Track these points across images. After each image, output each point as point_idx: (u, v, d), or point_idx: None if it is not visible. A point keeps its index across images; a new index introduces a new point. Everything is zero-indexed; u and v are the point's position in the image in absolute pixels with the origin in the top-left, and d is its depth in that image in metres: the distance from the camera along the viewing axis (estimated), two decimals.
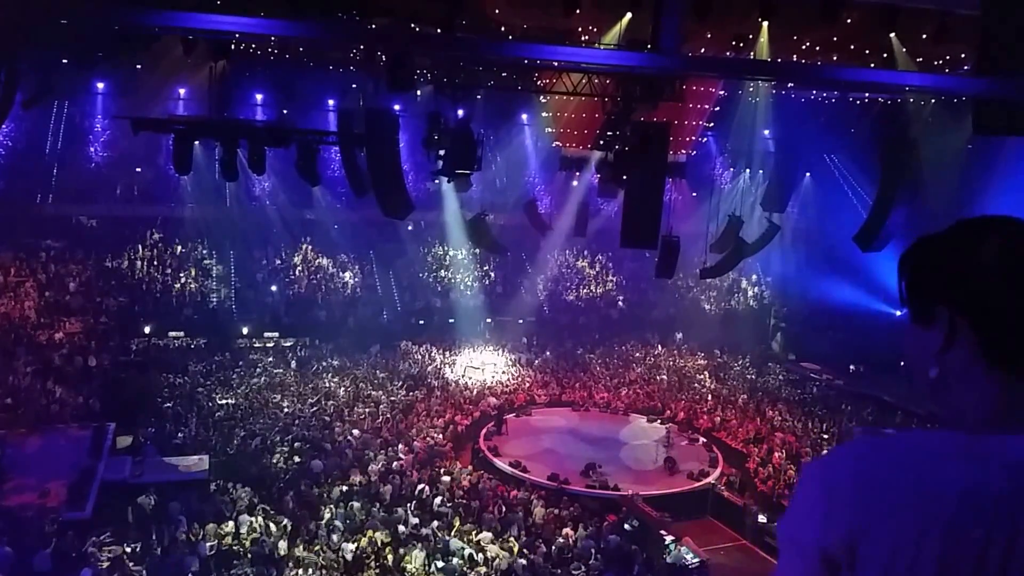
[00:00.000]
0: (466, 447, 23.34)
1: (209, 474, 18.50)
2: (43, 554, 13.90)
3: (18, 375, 22.21)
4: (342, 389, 26.21)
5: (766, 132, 29.81)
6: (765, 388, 29.49)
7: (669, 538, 17.00)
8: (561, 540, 16.70)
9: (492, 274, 36.57)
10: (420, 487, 18.56)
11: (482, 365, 29.68)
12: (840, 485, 1.32)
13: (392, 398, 25.42)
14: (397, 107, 22.08)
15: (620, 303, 36.74)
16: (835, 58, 21.77)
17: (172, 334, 29.25)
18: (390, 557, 15.34)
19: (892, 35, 19.73)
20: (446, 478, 19.50)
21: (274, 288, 32.67)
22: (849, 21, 18.66)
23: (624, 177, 18.89)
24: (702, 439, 24.92)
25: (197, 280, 31.94)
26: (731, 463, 23.16)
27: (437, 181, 26.50)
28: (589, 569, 15.85)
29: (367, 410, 24.23)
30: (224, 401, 24.30)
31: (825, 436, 23.99)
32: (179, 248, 32.86)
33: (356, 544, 15.60)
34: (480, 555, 15.67)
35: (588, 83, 20.53)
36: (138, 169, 33.43)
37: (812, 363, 31.40)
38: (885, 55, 20.41)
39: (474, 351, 31.28)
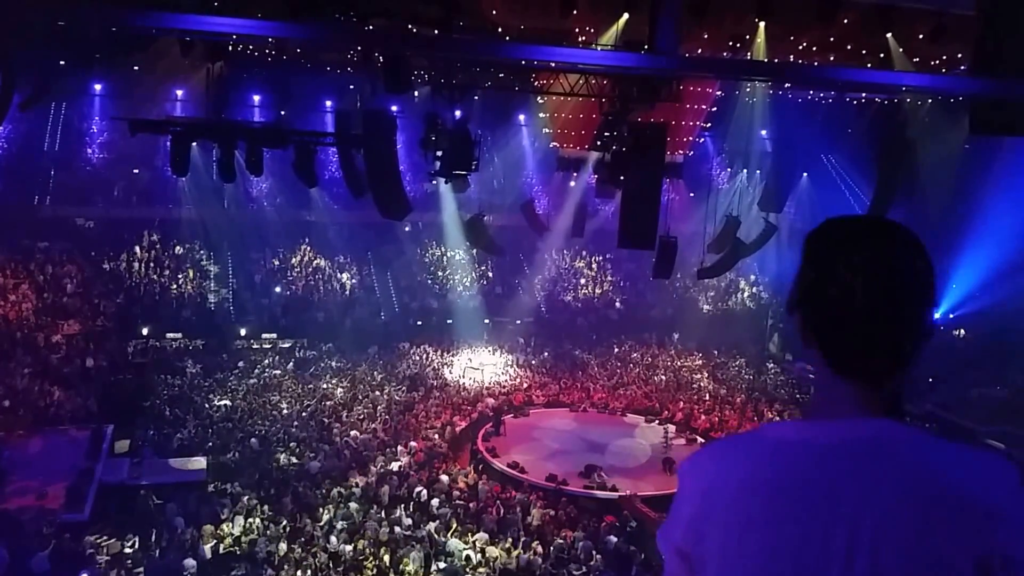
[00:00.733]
0: (464, 448, 23.28)
1: (207, 475, 18.52)
2: (41, 556, 13.88)
3: (16, 377, 22.15)
4: (340, 390, 26.21)
5: (763, 132, 29.83)
6: (763, 388, 29.51)
7: None
8: (559, 541, 16.70)
9: (490, 275, 36.53)
10: (418, 488, 18.55)
11: (480, 366, 29.68)
12: (690, 486, 1.41)
13: (390, 399, 25.41)
14: (395, 108, 22.10)
15: (618, 304, 36.74)
16: (832, 58, 21.81)
17: (170, 335, 29.21)
18: (388, 558, 15.35)
19: (889, 35, 19.78)
20: (444, 479, 19.49)
21: (275, 289, 32.65)
22: (846, 21, 18.70)
23: (621, 178, 18.88)
24: (700, 439, 24.92)
25: (195, 281, 31.90)
26: None
27: (435, 182, 26.42)
28: (588, 570, 15.84)
29: (365, 411, 24.23)
30: (222, 402, 24.29)
31: None
32: (177, 249, 32.80)
33: (354, 545, 15.61)
34: (478, 556, 15.68)
35: (585, 84, 20.55)
36: (136, 170, 33.40)
37: (809, 363, 31.36)
38: (882, 55, 20.45)
39: (472, 352, 31.27)
